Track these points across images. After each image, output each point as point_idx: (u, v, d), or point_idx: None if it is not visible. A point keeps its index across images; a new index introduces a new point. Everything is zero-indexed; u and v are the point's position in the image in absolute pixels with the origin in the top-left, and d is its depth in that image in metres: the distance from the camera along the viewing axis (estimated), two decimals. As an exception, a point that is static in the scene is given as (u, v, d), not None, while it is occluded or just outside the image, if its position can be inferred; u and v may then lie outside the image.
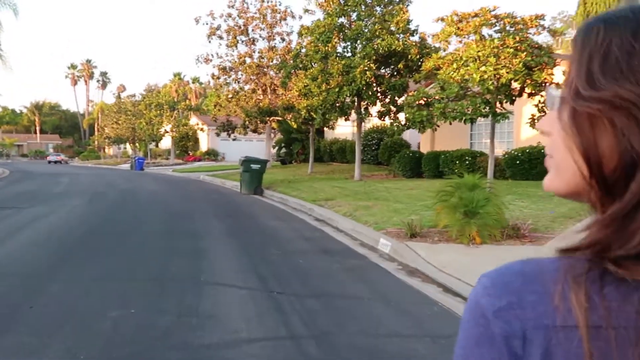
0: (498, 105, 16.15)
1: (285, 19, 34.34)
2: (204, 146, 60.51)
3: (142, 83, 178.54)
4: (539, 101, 15.80)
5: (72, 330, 5.06)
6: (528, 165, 18.49)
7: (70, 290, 6.50)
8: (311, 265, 8.13)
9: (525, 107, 18.26)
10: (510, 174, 19.03)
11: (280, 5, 34.18)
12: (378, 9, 21.93)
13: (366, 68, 20.27)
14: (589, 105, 0.62)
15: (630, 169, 0.60)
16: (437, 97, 16.66)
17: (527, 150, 18.65)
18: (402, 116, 20.42)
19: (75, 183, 26.69)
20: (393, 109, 22.04)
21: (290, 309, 5.78)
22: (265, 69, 34.46)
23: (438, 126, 17.90)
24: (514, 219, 9.92)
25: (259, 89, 34.94)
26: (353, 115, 23.66)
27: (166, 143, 60.72)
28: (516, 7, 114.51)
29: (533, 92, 15.61)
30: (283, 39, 34.68)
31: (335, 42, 21.66)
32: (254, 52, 34.79)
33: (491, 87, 15.21)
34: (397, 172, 24.84)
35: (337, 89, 20.99)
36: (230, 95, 35.48)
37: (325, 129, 32.99)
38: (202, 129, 52.02)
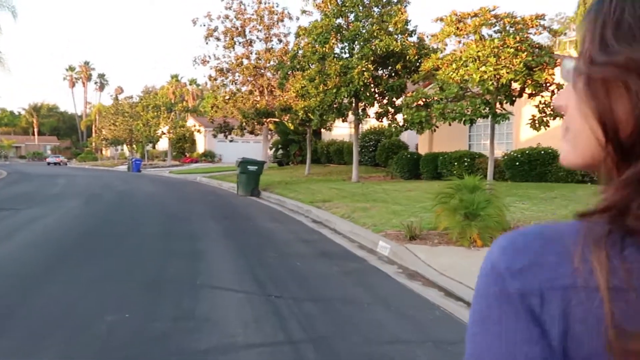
0: (498, 105, 16.06)
1: (282, 21, 34.36)
2: (200, 148, 60.51)
3: (140, 85, 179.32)
4: (540, 102, 15.72)
5: (68, 333, 4.97)
6: (528, 166, 18.41)
7: (66, 292, 6.40)
8: (309, 268, 8.00)
9: (525, 108, 18.19)
10: (510, 175, 18.95)
11: (277, 6, 34.22)
12: (376, 9, 21.86)
13: (364, 69, 20.18)
14: (603, 70, 0.62)
15: None
16: (436, 98, 16.56)
17: (527, 152, 18.57)
18: (400, 117, 20.32)
19: (73, 184, 26.65)
20: (391, 110, 21.98)
21: (288, 313, 5.66)
22: (262, 70, 34.43)
23: (437, 127, 17.81)
24: (515, 221, 9.82)
25: (256, 90, 34.90)
26: (350, 117, 23.59)
27: (163, 145, 60.72)
28: (516, 7, 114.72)
29: (533, 92, 15.52)
30: (280, 41, 34.69)
31: (333, 43, 21.58)
32: (251, 53, 34.78)
33: (491, 88, 15.12)
34: (395, 173, 24.73)
35: (334, 90, 20.90)
36: (227, 97, 35.46)
37: (322, 130, 32.94)
38: (199, 131, 51.98)
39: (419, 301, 6.27)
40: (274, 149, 40.75)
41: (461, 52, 16.10)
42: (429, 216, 10.56)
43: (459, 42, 16.84)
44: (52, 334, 4.90)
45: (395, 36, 20.99)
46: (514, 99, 16.10)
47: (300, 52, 22.98)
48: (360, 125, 24.97)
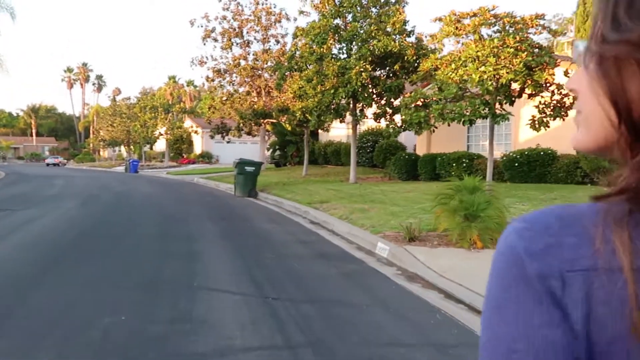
0: (497, 106, 16.01)
1: (280, 21, 34.36)
2: (198, 149, 60.45)
3: (137, 86, 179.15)
4: (539, 102, 15.67)
5: (63, 335, 4.91)
6: (527, 167, 18.35)
7: (63, 293, 6.33)
8: (307, 270, 7.92)
9: (524, 109, 18.15)
10: (509, 176, 18.89)
11: (275, 7, 34.19)
12: (374, 10, 21.80)
13: (362, 69, 20.12)
14: (615, 48, 0.60)
15: None
16: (435, 98, 16.50)
17: (526, 153, 18.52)
18: (398, 118, 20.27)
19: (70, 185, 26.62)
20: (389, 110, 21.91)
21: (285, 315, 5.58)
22: (259, 71, 34.39)
23: (436, 127, 17.74)
24: (514, 222, 9.72)
25: (253, 91, 34.87)
26: (348, 118, 23.52)
27: (160, 146, 60.64)
28: (515, 7, 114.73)
29: (533, 92, 15.47)
30: (278, 41, 34.66)
31: (331, 44, 21.50)
32: (248, 54, 34.76)
33: (490, 88, 15.06)
34: (393, 174, 24.66)
35: (332, 91, 20.84)
36: (224, 98, 35.43)
37: (319, 131, 32.89)
38: (196, 132, 51.90)
39: (418, 303, 6.20)
40: (271, 150, 40.69)
41: (460, 52, 16.05)
42: (428, 217, 10.48)
43: (458, 42, 16.79)
44: (46, 337, 4.84)
45: (393, 36, 20.93)
46: (513, 99, 16.05)
47: (298, 52, 22.92)
48: (358, 126, 24.89)
